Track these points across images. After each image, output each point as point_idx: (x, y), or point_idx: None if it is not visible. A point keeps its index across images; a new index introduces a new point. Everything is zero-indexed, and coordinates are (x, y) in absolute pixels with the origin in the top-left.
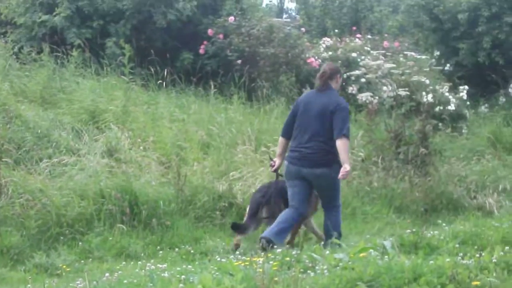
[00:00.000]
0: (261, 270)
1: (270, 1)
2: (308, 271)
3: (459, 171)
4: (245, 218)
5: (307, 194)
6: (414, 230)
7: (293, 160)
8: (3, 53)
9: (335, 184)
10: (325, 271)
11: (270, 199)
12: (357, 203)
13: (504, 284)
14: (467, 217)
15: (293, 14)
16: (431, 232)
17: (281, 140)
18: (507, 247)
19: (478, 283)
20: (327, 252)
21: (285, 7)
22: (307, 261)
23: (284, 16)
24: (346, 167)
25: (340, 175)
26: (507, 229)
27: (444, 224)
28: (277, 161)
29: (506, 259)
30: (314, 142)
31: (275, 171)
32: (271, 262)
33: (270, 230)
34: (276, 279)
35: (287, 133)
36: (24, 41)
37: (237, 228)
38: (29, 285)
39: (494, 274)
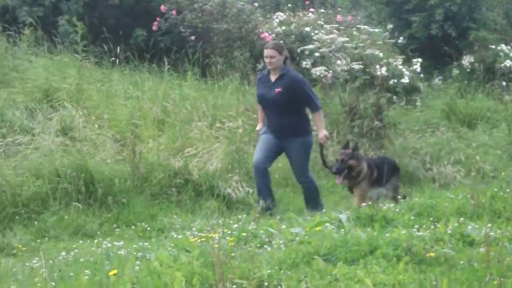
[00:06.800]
0: (217, 246)
1: None
2: (265, 246)
3: (414, 143)
4: None
5: None
6: (369, 203)
7: None
8: None
9: None
10: (282, 245)
11: None
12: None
13: (459, 255)
14: (422, 189)
15: None
16: (387, 205)
17: None
18: (462, 218)
19: (433, 254)
20: (283, 226)
21: None
22: (263, 236)
23: None
24: None
25: None
26: (462, 200)
27: (399, 197)
28: None
29: (461, 230)
30: None
31: None
32: (227, 238)
33: None
34: (233, 254)
35: None
36: None
37: None
38: None
39: (449, 245)
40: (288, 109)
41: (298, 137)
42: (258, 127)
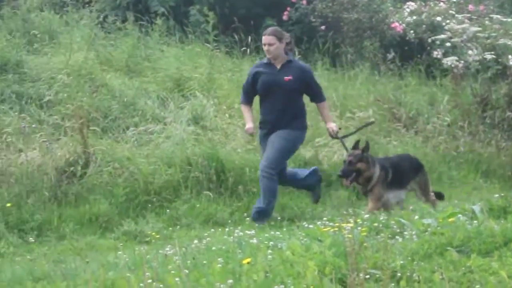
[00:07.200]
0: (350, 235)
1: None
2: (396, 237)
3: None
4: None
5: None
6: (502, 194)
7: None
8: (88, 23)
9: None
10: (414, 236)
11: None
12: (443, 168)
13: None
14: None
15: None
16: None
17: None
18: None
19: None
20: (415, 217)
21: None
22: (395, 226)
23: None
24: None
25: None
26: None
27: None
28: None
29: None
30: None
31: None
32: (359, 228)
33: None
34: (365, 244)
35: None
36: (108, 10)
37: None
38: (119, 252)
39: None
40: (293, 99)
41: (288, 129)
42: (248, 125)
